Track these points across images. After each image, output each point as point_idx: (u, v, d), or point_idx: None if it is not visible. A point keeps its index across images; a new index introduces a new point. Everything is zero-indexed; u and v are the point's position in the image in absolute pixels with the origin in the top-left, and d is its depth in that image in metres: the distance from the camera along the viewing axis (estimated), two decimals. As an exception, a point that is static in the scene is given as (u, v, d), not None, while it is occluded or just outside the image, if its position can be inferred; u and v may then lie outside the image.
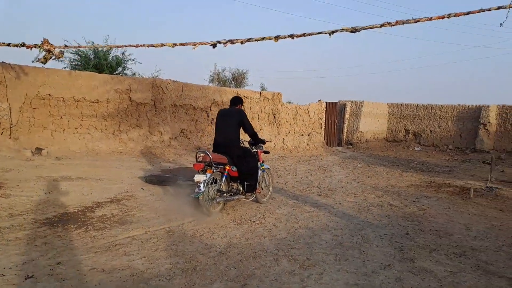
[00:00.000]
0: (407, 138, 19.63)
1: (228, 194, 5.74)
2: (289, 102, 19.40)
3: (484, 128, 16.63)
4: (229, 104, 6.36)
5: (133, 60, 16.63)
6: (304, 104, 17.56)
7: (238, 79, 41.15)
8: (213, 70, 41.20)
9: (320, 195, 7.35)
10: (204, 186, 5.18)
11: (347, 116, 18.62)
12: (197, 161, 5.50)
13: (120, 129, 11.57)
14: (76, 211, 5.20)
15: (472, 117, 17.34)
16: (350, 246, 4.53)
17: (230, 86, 36.88)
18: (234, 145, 5.87)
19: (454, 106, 18.02)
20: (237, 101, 6.23)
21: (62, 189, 6.15)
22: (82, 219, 4.91)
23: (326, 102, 17.32)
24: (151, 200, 6.09)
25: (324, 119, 17.30)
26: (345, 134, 18.59)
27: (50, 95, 9.99)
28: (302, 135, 16.52)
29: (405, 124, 19.56)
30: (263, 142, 6.61)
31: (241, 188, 5.89)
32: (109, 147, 10.92)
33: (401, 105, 19.73)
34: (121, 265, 3.62)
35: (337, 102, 17.73)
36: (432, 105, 18.73)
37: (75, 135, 10.52)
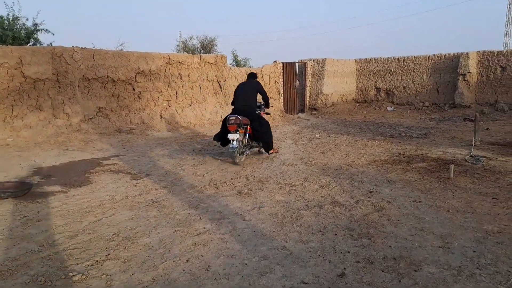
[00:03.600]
0: (379, 98, 17.46)
1: (248, 148, 7.37)
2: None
3: (464, 80, 14.52)
4: (246, 78, 8.51)
5: (46, 30, 13.77)
6: (257, 67, 15.12)
7: (207, 47, 38.20)
8: (178, 39, 38.02)
9: (240, 193, 5.12)
10: (237, 143, 6.69)
11: (308, 77, 16.26)
12: (229, 124, 6.79)
13: (14, 114, 9.06)
14: None
15: (450, 67, 15.18)
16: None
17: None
18: (253, 111, 7.39)
19: (429, 57, 15.79)
20: (254, 75, 7.84)
21: None
22: None
23: (282, 63, 14.90)
24: None
25: (281, 83, 14.94)
26: (308, 99, 16.30)
27: None
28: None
29: (375, 82, 17.33)
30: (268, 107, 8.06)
31: (256, 144, 7.60)
32: (-10, 140, 8.45)
33: (370, 60, 17.42)
34: None
35: (295, 62, 15.32)
36: (404, 58, 16.47)
37: None
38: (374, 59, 17.29)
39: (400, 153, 7.61)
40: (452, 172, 5.45)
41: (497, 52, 14.09)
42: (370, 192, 5.00)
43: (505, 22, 35.54)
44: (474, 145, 7.86)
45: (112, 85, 10.66)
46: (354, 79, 17.88)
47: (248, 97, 7.35)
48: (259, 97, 7.78)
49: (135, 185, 5.54)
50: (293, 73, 15.17)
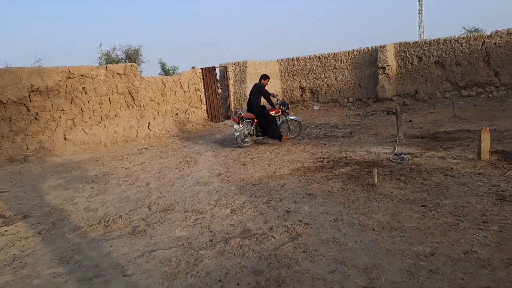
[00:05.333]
0: (304, 97, 17.17)
1: (255, 137, 9.21)
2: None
3: (384, 72, 14.58)
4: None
5: None
6: (175, 75, 14.14)
7: (132, 58, 36.27)
8: (99, 50, 35.71)
9: (134, 231, 4.18)
10: (237, 132, 8.86)
11: (231, 82, 15.54)
12: (235, 117, 9.07)
13: None
14: None
15: (369, 61, 15.20)
16: None
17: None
18: (256, 107, 9.06)
19: (349, 52, 15.74)
20: (261, 77, 9.29)
21: None
22: None
23: (202, 69, 14.04)
24: None
25: (203, 89, 14.07)
26: (232, 104, 15.57)
27: None
28: (177, 114, 13.18)
29: (299, 82, 17.03)
30: (274, 104, 9.40)
31: (261, 136, 9.24)
32: None
33: (292, 60, 17.08)
34: None
35: (215, 67, 14.52)
36: (325, 55, 16.30)
37: None
38: (296, 59, 16.98)
39: (324, 158, 7.05)
40: (376, 177, 4.91)
41: (413, 42, 14.30)
42: (288, 212, 4.28)
43: (417, 14, 37.49)
44: (398, 141, 7.53)
45: (1, 107, 9.16)
46: (279, 80, 17.46)
47: (252, 97, 9.12)
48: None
49: (1, 235, 4.39)
50: (214, 79, 14.36)
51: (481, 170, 5.11)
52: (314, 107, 16.42)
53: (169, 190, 5.85)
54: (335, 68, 16.08)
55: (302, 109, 16.55)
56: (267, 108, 9.27)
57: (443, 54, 13.62)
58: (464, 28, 34.54)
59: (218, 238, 3.74)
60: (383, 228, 3.57)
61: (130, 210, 4.98)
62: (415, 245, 3.14)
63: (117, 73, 11.49)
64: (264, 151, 8.42)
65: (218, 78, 15.37)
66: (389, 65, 14.38)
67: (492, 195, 4.12)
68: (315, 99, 16.89)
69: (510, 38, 12.48)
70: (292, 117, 9.71)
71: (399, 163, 5.93)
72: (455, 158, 5.89)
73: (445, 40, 13.59)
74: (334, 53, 16.05)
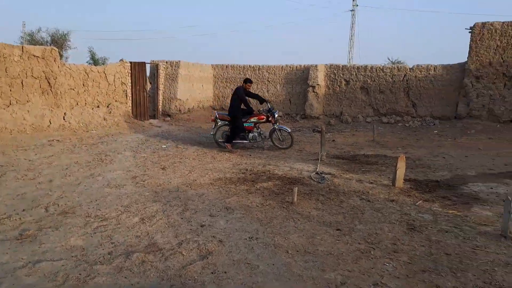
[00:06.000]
0: (235, 105, 17.05)
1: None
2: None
3: (313, 91, 14.94)
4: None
5: None
6: (100, 66, 13.26)
7: (58, 42, 33.59)
8: (22, 30, 32.65)
9: (21, 234, 3.63)
10: (213, 130, 9.36)
11: (161, 80, 14.93)
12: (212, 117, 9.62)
13: None
14: None
15: (301, 79, 15.51)
16: None
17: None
18: (231, 111, 9.13)
19: (282, 67, 15.95)
20: (244, 80, 9.41)
21: None
22: None
23: (130, 63, 13.31)
24: None
25: (130, 84, 13.33)
26: (161, 104, 14.95)
27: None
28: (98, 106, 12.31)
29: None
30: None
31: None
32: None
33: (226, 66, 16.90)
34: None
35: (145, 63, 13.87)
36: (259, 66, 16.36)
37: None
38: (231, 66, 16.83)
39: (247, 169, 6.90)
40: (296, 195, 4.83)
41: (342, 66, 14.85)
42: (202, 226, 4.01)
43: (348, 39, 39.47)
44: (320, 160, 7.62)
45: None
46: (211, 85, 17.16)
47: (231, 99, 9.20)
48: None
49: None
50: (143, 74, 13.69)
51: (394, 197, 5.26)
52: (243, 116, 16.33)
53: (74, 190, 5.28)
54: (268, 80, 16.18)
55: (231, 117, 16.39)
56: (255, 113, 9.22)
57: (368, 80, 14.30)
58: (389, 58, 36.93)
59: (118, 251, 3.36)
60: (297, 251, 3.44)
61: (24, 210, 4.38)
62: (327, 272, 3.04)
63: (34, 56, 10.42)
64: (188, 156, 8.07)
65: (148, 74, 14.70)
66: (319, 84, 14.78)
67: (404, 224, 4.20)
68: (246, 108, 16.83)
69: (429, 73, 13.46)
70: (283, 127, 9.53)
71: (320, 182, 5.94)
72: (371, 183, 6.04)
73: (371, 67, 14.29)
74: (268, 66, 16.16)
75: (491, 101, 12.24)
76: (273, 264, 3.16)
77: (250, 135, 9.21)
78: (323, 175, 6.37)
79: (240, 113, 9.07)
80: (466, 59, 12.68)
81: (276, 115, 9.20)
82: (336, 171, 6.82)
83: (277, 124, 9.35)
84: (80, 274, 2.92)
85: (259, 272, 3.02)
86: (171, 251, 3.38)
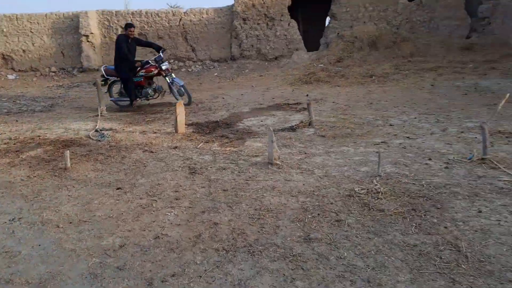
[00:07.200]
0: (-4, 64, 14.17)
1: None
2: None
3: (88, 41, 13.55)
4: None
5: None
6: None
7: None
8: None
9: None
10: (105, 90, 8.22)
11: None
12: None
13: None
14: None
15: (71, 28, 13.78)
16: None
17: None
18: (115, 64, 7.85)
19: (47, 15, 13.78)
20: (125, 26, 7.99)
21: None
22: None
23: None
24: None
25: None
26: None
27: None
28: None
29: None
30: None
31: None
32: None
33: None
34: None
35: None
36: (17, 15, 13.77)
37: None
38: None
39: (11, 138, 5.84)
40: (68, 159, 4.32)
41: (116, 11, 13.81)
42: None
43: (124, -16, 37.04)
44: (101, 115, 7.07)
45: None
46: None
47: (114, 51, 7.85)
48: None
49: None
50: None
51: (177, 143, 5.28)
52: (8, 75, 13.79)
53: None
54: (31, 31, 13.84)
55: (-8, 79, 13.62)
56: (146, 65, 7.88)
57: (145, 26, 13.78)
58: (168, 4, 36.54)
59: None
60: (70, 222, 3.08)
61: None
62: (104, 238, 2.81)
63: None
64: None
65: None
66: (92, 33, 13.45)
67: (186, 169, 4.26)
68: (10, 66, 14.19)
69: (202, 17, 13.80)
70: (176, 79, 8.09)
71: (99, 140, 5.50)
72: (155, 132, 5.94)
73: (146, 12, 13.75)
74: (29, 15, 13.75)
75: (258, 41, 13.50)
76: (39, 245, 2.74)
77: (143, 91, 7.97)
78: (103, 132, 5.92)
79: (127, 65, 7.70)
80: (233, 2, 13.44)
81: (164, 67, 7.91)
82: (118, 126, 6.44)
83: (169, 77, 8.03)
84: None
85: (20, 259, 2.57)
86: None
